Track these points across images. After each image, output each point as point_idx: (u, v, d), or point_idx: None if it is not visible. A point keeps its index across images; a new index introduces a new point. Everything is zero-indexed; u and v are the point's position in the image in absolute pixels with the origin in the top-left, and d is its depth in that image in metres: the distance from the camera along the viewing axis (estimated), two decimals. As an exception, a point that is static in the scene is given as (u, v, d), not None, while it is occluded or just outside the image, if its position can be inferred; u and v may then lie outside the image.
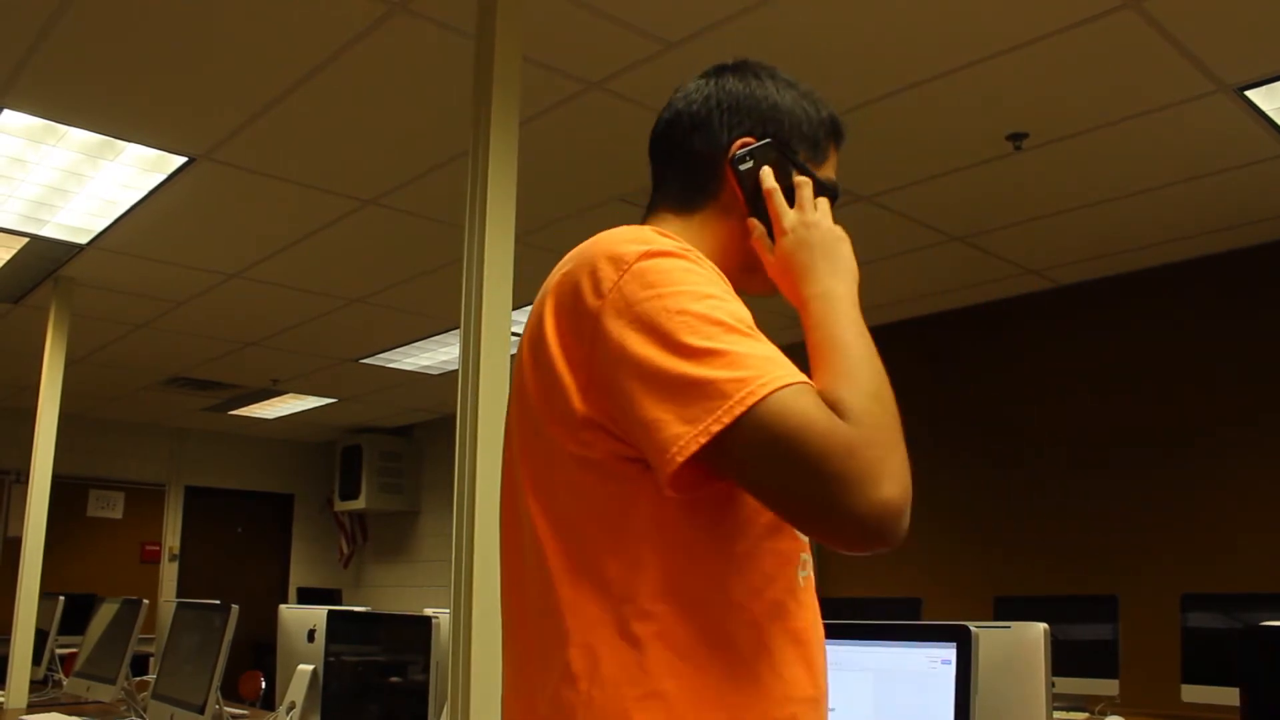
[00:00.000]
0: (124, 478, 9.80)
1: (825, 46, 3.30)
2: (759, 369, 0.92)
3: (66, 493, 8.94)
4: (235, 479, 10.47)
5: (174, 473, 10.13)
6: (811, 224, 1.15)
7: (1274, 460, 4.81)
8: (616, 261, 1.00)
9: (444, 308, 6.05)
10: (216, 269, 5.50)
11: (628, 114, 3.71)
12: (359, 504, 9.85)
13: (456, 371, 2.61)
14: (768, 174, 1.15)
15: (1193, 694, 3.90)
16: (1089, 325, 5.55)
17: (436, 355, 7.23)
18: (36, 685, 5.12)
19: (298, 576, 10.73)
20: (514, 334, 2.39)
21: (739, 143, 1.16)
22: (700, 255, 1.04)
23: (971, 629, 1.46)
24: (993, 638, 1.71)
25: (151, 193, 4.49)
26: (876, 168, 4.20)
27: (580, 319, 0.99)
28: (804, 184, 1.16)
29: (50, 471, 5.34)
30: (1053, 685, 1.72)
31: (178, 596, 9.67)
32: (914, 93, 3.58)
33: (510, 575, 1.11)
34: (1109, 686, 4.06)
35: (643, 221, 1.19)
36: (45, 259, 5.35)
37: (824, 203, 1.17)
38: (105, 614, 4.37)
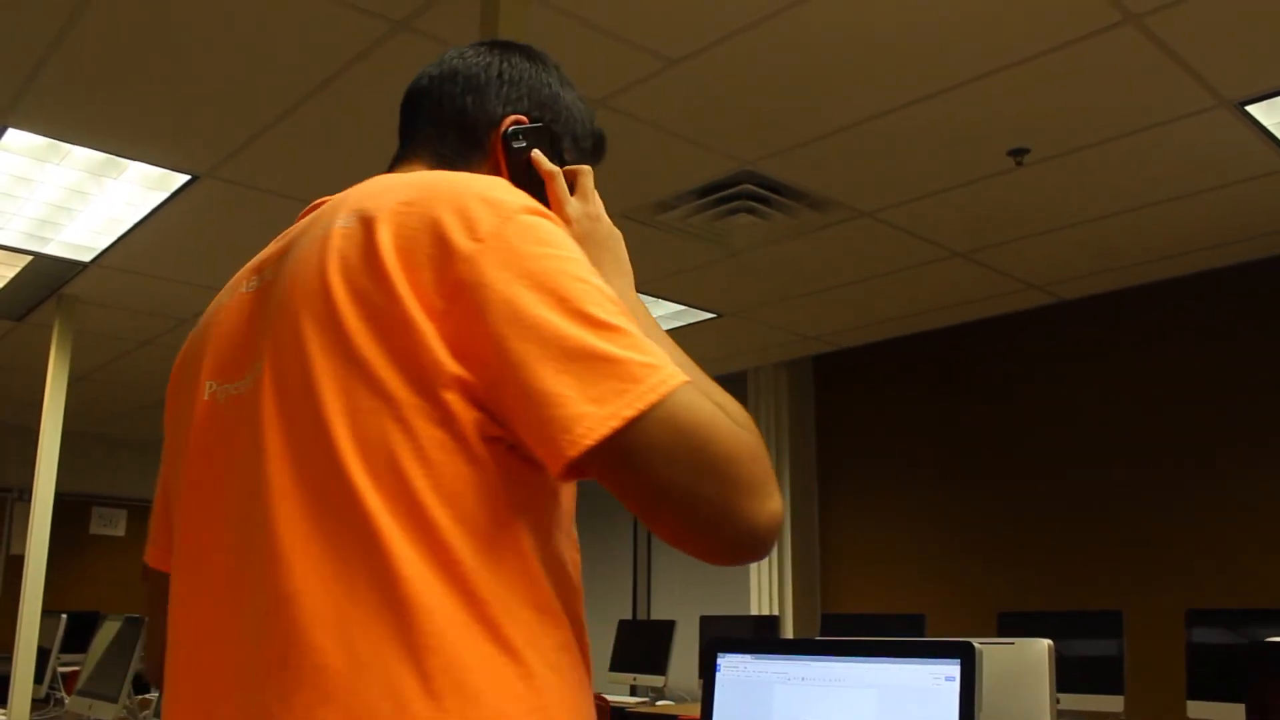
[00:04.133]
0: (127, 495, 9.80)
1: (826, 62, 3.32)
2: (663, 359, 0.84)
3: (69, 510, 8.95)
4: (238, 496, 10.44)
5: (177, 490, 10.10)
6: (596, 216, 1.07)
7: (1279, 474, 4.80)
8: (494, 206, 0.88)
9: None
10: (220, 286, 5.50)
11: (630, 131, 3.72)
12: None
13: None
14: (542, 158, 1.08)
15: (1198, 710, 3.88)
16: (1092, 340, 5.55)
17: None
18: (39, 704, 5.11)
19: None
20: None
21: (514, 118, 1.09)
22: None
23: (975, 645, 1.45)
24: (997, 654, 1.70)
25: (155, 210, 4.50)
26: (878, 183, 4.21)
27: (446, 260, 0.85)
28: (585, 172, 1.09)
29: (53, 489, 5.34)
30: (1058, 701, 1.72)
31: (180, 614, 9.64)
32: (915, 109, 3.59)
33: (257, 569, 0.87)
34: (1114, 702, 4.04)
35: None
36: (49, 277, 5.37)
37: (596, 196, 1.10)
38: (107, 632, 4.37)
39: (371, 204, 0.92)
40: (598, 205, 1.08)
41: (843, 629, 5.12)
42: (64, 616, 5.39)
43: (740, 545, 0.83)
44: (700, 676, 4.86)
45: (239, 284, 1.05)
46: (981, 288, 5.46)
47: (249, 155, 3.98)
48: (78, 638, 5.62)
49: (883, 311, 5.84)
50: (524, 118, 1.09)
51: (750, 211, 4.46)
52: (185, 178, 4.19)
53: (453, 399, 0.84)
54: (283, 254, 0.99)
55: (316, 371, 0.87)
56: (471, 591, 0.83)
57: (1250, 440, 4.92)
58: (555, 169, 1.07)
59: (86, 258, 5.08)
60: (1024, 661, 1.69)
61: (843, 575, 6.51)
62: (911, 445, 6.30)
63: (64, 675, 5.38)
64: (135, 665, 3.96)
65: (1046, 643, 1.69)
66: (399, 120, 1.17)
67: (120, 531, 9.78)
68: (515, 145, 1.06)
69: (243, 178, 4.18)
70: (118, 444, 9.69)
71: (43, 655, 5.16)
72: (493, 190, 0.90)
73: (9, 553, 8.91)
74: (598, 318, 0.83)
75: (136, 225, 4.67)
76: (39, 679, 5.11)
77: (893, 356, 6.46)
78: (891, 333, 6.28)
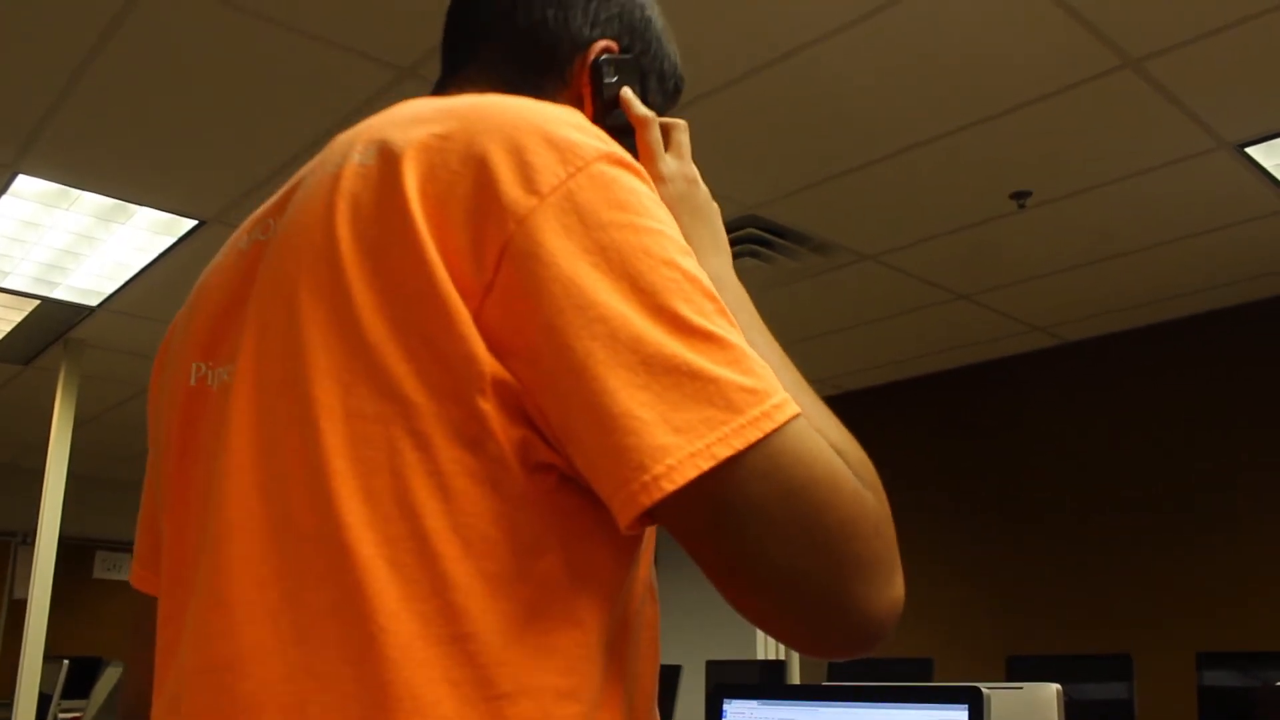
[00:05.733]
0: (131, 539, 9.75)
1: (827, 107, 3.35)
2: (768, 380, 0.62)
3: (73, 554, 8.93)
4: (242, 540, 10.42)
5: (181, 534, 10.08)
6: (693, 179, 0.86)
7: (1286, 516, 4.78)
8: (565, 150, 0.65)
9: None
10: (226, 330, 5.52)
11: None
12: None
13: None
14: (634, 99, 0.87)
15: (1211, 755, 3.84)
16: (1097, 381, 5.55)
17: (444, 414, 7.22)
18: (39, 751, 5.07)
19: (304, 638, 10.64)
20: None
21: (605, 43, 0.87)
22: None
23: (983, 690, 1.44)
24: (1005, 699, 1.69)
25: (162, 255, 4.53)
26: (881, 227, 4.23)
27: (491, 218, 0.63)
28: (681, 126, 0.89)
29: (57, 533, 5.33)
30: (1067, 747, 1.70)
31: (183, 659, 9.58)
32: (917, 152, 3.62)
33: (229, 614, 0.64)
34: (1125, 748, 4.00)
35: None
36: (56, 321, 5.39)
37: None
38: (110, 678, 4.34)
39: (398, 135, 0.69)
40: (693, 167, 0.87)
41: (850, 673, 5.07)
42: (66, 662, 5.36)
43: (849, 639, 0.63)
44: (706, 722, 4.80)
45: (238, 240, 0.83)
46: (985, 330, 5.47)
47: (257, 200, 4.00)
48: (79, 684, 5.59)
49: (887, 354, 5.84)
50: (614, 45, 0.88)
51: (754, 255, 4.48)
52: (193, 223, 4.22)
53: (491, 410, 0.62)
54: (288, 200, 0.77)
55: (310, 358, 0.65)
56: (492, 684, 0.61)
57: (1259, 479, 4.89)
58: (650, 114, 0.86)
59: (94, 302, 5.10)
60: (1033, 706, 1.68)
61: (849, 619, 6.45)
62: (917, 488, 6.27)
63: (65, 722, 5.34)
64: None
65: (1055, 687, 1.68)
66: (443, 35, 0.93)
67: (124, 576, 9.74)
68: (607, 80, 0.86)
69: (250, 222, 4.21)
70: (123, 487, 9.67)
71: (44, 701, 5.12)
72: (563, 126, 0.67)
73: (11, 597, 8.87)
74: (690, 320, 0.62)
75: (144, 270, 4.70)
76: (40, 725, 5.07)
77: (897, 399, 6.46)
78: (896, 375, 6.27)
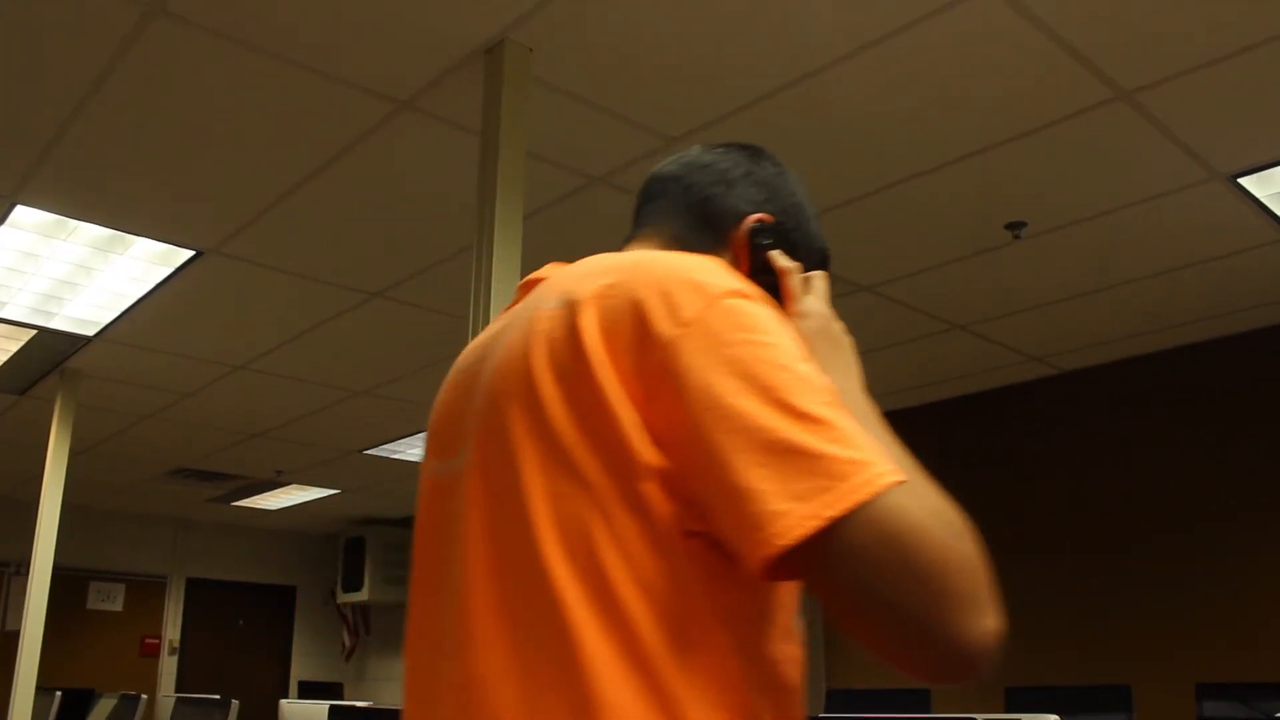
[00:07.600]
0: (125, 569, 9.72)
1: (823, 140, 3.37)
2: (874, 454, 0.78)
3: (67, 585, 8.88)
4: (237, 571, 10.38)
5: (175, 564, 10.05)
6: (829, 315, 1.06)
7: (1284, 546, 4.77)
8: (699, 290, 0.85)
9: (448, 397, 6.04)
10: (223, 361, 5.53)
11: (631, 208, 3.76)
12: (362, 596, 9.75)
13: (460, 462, 2.61)
14: (781, 254, 1.08)
15: (1211, 788, 3.81)
16: (1094, 411, 5.55)
17: (441, 445, 7.21)
18: (31, 784, 5.02)
19: (299, 670, 10.58)
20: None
21: (760, 215, 1.10)
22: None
23: (981, 722, 1.43)
24: (1003, 731, 1.68)
25: (159, 286, 4.54)
26: (878, 258, 4.24)
27: (647, 346, 0.83)
28: (821, 277, 1.09)
29: (51, 563, 5.31)
30: (1066, 780, 1.69)
31: (177, 691, 9.52)
32: (914, 184, 3.64)
33: (468, 659, 0.88)
34: (1125, 780, 3.97)
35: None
36: (52, 351, 5.39)
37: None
38: (103, 710, 4.32)
39: (577, 287, 0.91)
40: (829, 306, 1.07)
41: (847, 705, 5.04)
42: (58, 693, 5.32)
43: (948, 664, 0.77)
44: (704, 754, 4.74)
45: (462, 362, 1.08)
46: (982, 360, 5.48)
47: (254, 231, 4.02)
48: (72, 716, 5.54)
49: (883, 385, 5.84)
50: (768, 217, 1.10)
51: (750, 284, 4.49)
52: (190, 253, 4.23)
53: (650, 490, 0.82)
54: (499, 334, 1.01)
55: (520, 455, 0.87)
56: (664, 691, 0.80)
57: (1257, 510, 4.89)
58: (794, 264, 1.07)
59: (91, 332, 5.11)
60: (1031, 738, 1.67)
61: (846, 649, 6.43)
62: (915, 517, 6.25)
63: (57, 755, 5.28)
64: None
65: (1054, 718, 1.67)
66: (636, 203, 1.21)
67: (118, 607, 9.68)
68: (760, 241, 1.09)
69: (247, 253, 4.22)
70: (117, 518, 9.64)
71: (36, 734, 5.08)
72: (700, 272, 0.88)
73: (5, 628, 8.82)
74: (800, 408, 0.78)
75: (141, 300, 4.70)
76: (32, 759, 5.03)
77: (894, 430, 6.45)
78: (892, 405, 6.28)
